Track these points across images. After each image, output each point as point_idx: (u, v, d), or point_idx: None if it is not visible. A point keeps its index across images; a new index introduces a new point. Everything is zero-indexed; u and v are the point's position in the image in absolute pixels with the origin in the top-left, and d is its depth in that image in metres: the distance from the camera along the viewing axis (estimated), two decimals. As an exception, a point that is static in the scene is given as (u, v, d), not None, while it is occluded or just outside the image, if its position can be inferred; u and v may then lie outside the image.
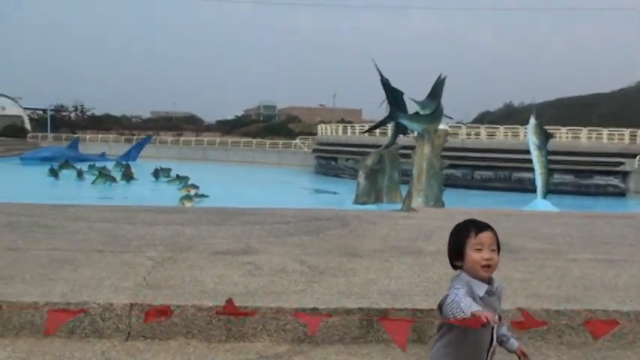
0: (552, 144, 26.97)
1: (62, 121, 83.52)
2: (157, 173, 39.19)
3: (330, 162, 47.82)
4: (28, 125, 74.25)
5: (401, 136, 26.06)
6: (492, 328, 2.99)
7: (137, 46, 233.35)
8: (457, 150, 39.05)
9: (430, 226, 7.85)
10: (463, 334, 2.94)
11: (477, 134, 44.21)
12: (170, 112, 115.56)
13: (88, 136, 67.93)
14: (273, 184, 38.49)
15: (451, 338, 3.01)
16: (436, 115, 21.19)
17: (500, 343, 3.29)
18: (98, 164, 41.53)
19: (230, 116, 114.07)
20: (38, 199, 12.16)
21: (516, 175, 37.80)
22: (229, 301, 2.82)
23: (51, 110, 76.56)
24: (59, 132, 71.10)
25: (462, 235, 3.00)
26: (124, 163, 43.11)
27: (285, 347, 4.13)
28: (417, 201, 20.51)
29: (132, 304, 4.20)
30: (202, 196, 29.76)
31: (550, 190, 26.63)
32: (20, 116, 75.02)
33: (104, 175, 35.47)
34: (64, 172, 38.75)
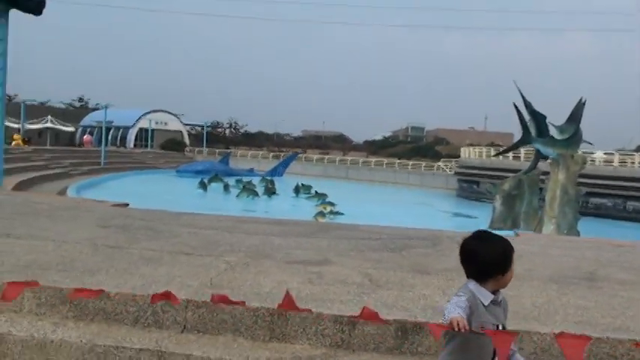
0: None
1: (217, 137, 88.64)
2: (297, 189, 40.49)
3: (472, 185, 46.95)
4: (187, 140, 79.48)
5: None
6: None
7: (291, 69, 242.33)
8: (608, 178, 37.04)
9: (519, 251, 7.70)
10: (466, 341, 3.09)
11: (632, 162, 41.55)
12: (320, 132, 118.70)
13: (239, 152, 71.55)
14: (411, 206, 38.42)
15: (455, 346, 3.18)
16: (573, 140, 20.36)
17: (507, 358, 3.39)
18: (246, 179, 43.57)
19: (378, 136, 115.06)
20: (183, 208, 13.07)
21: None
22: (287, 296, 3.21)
23: (207, 126, 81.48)
24: (214, 147, 75.47)
25: (510, 250, 3.23)
26: (269, 178, 44.88)
27: (322, 351, 4.36)
28: (549, 228, 19.82)
29: (188, 300, 4.63)
30: (337, 213, 30.43)
31: None
32: (180, 131, 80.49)
33: (248, 189, 37.21)
34: (213, 184, 41.03)
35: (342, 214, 29.82)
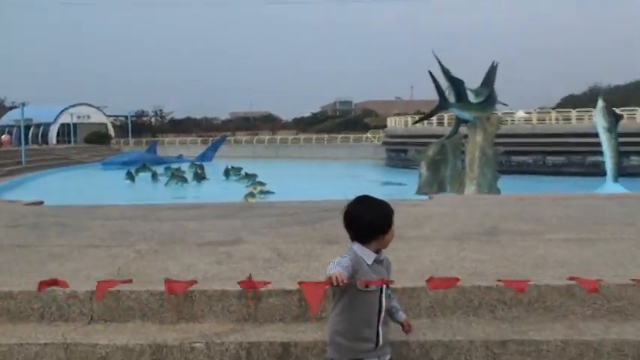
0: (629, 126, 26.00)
1: (143, 127, 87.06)
2: (227, 172, 40.28)
3: (400, 154, 47.72)
4: (112, 132, 77.76)
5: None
6: (380, 295, 3.32)
7: (213, 49, 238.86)
8: (528, 136, 38.31)
9: (430, 213, 8.00)
10: (353, 299, 3.27)
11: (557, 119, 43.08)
12: (248, 112, 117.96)
13: (167, 140, 70.54)
14: (342, 179, 38.75)
15: (343, 304, 3.35)
16: (488, 102, 20.98)
17: (390, 315, 3.59)
18: (174, 166, 43.03)
19: (307, 114, 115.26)
20: (110, 201, 12.86)
21: (591, 159, 36.68)
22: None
23: (132, 116, 79.89)
24: (141, 137, 74.12)
25: (390, 212, 3.44)
26: (198, 163, 44.45)
27: (229, 327, 4.46)
28: (470, 189, 20.43)
29: (93, 291, 4.63)
30: (268, 192, 30.45)
31: (625, 173, 25.91)
32: (104, 124, 78.62)
33: (176, 176, 36.81)
34: (141, 174, 40.36)
35: (273, 192, 29.87)
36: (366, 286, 3.28)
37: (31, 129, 70.36)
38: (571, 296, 4.40)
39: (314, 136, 65.22)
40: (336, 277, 3.04)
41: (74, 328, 4.51)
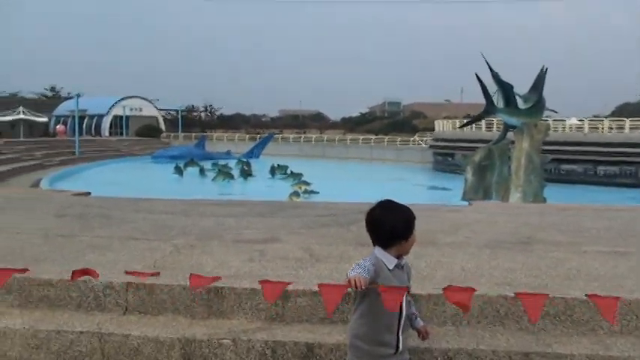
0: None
1: (193, 121, 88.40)
2: (273, 170, 40.61)
3: (447, 158, 47.31)
4: (162, 125, 79.12)
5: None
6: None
7: (264, 48, 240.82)
8: (579, 144, 37.53)
9: (467, 220, 7.98)
10: (374, 303, 3.31)
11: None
12: (297, 111, 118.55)
13: (215, 135, 71.38)
14: (387, 181, 38.70)
15: (364, 309, 3.41)
16: (536, 108, 20.68)
17: (409, 321, 3.64)
18: (222, 162, 43.57)
19: (355, 113, 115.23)
20: (158, 194, 13.14)
21: (645, 170, 35.79)
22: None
23: (182, 111, 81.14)
24: (190, 131, 75.22)
25: (412, 218, 3.45)
26: (245, 160, 44.91)
27: (257, 325, 4.57)
28: (515, 197, 20.18)
29: (129, 283, 4.80)
30: (312, 192, 30.62)
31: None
32: (155, 117, 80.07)
33: (223, 172, 37.29)
34: (189, 169, 41.02)
35: (317, 192, 30.01)
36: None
37: (85, 120, 72.13)
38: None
39: (361, 137, 65.15)
40: (355, 281, 3.09)
41: (109, 318, 4.67)
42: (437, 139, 51.54)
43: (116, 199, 10.30)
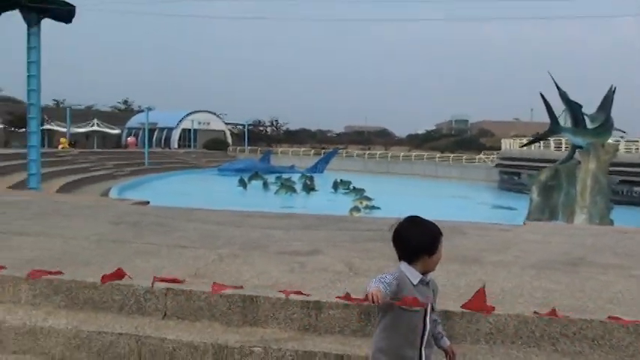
0: None
1: (259, 135, 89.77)
2: (336, 185, 40.82)
3: (513, 177, 46.49)
4: (229, 139, 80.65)
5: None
6: (425, 315, 3.35)
7: (332, 66, 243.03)
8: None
9: (519, 239, 7.83)
10: (397, 318, 3.32)
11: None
12: (363, 127, 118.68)
13: (280, 149, 72.29)
14: (449, 199, 38.31)
15: (386, 323, 3.41)
16: (604, 128, 20.12)
17: (435, 340, 3.61)
18: (286, 176, 44.09)
19: (421, 130, 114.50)
20: (221, 206, 13.40)
21: None
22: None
23: (249, 125, 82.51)
24: (256, 145, 76.39)
25: (438, 234, 3.43)
26: (308, 175, 45.28)
27: (289, 334, 4.62)
28: (581, 218, 19.66)
29: (168, 288, 4.93)
30: (373, 207, 30.61)
31: None
32: (223, 131, 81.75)
33: (286, 186, 37.75)
34: (253, 182, 41.67)
35: (378, 208, 29.98)
36: (410, 306, 3.32)
37: (156, 132, 74.21)
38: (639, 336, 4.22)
39: (425, 154, 64.70)
40: (373, 295, 3.10)
41: (148, 322, 4.81)
42: (503, 158, 50.74)
43: (172, 208, 10.58)
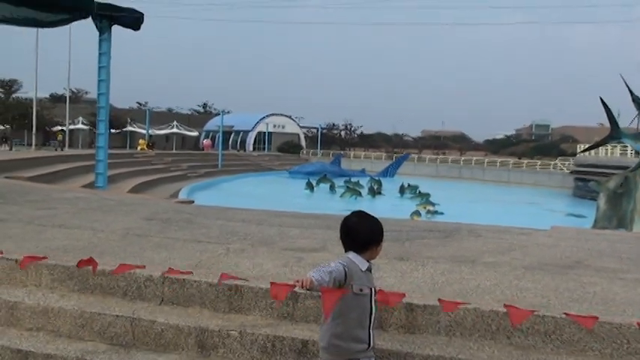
0: None
1: (333, 139, 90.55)
2: (402, 189, 40.90)
3: (588, 184, 45.14)
4: (303, 142, 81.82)
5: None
6: (371, 298, 3.75)
7: (409, 70, 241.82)
8: None
9: (527, 242, 7.94)
10: (349, 302, 3.72)
11: None
12: (440, 131, 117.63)
13: (352, 153, 72.72)
14: (518, 205, 37.77)
15: (340, 308, 3.80)
16: (667, 135, 19.53)
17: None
18: (354, 179, 44.47)
19: (499, 135, 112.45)
20: (286, 207, 13.84)
21: None
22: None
23: (322, 129, 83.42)
24: (330, 149, 77.14)
25: (382, 228, 3.89)
26: (376, 179, 45.50)
27: (268, 321, 5.03)
28: (639, 226, 19.12)
29: (165, 277, 5.44)
30: (436, 212, 30.61)
31: None
32: (297, 134, 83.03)
33: (351, 189, 38.11)
34: (321, 185, 42.25)
35: (442, 213, 29.96)
36: (361, 290, 3.69)
37: (232, 135, 76.15)
38: (590, 332, 4.40)
39: (498, 160, 63.66)
40: (302, 282, 3.49)
41: (146, 307, 5.33)
42: (578, 164, 49.41)
43: (208, 207, 11.17)
